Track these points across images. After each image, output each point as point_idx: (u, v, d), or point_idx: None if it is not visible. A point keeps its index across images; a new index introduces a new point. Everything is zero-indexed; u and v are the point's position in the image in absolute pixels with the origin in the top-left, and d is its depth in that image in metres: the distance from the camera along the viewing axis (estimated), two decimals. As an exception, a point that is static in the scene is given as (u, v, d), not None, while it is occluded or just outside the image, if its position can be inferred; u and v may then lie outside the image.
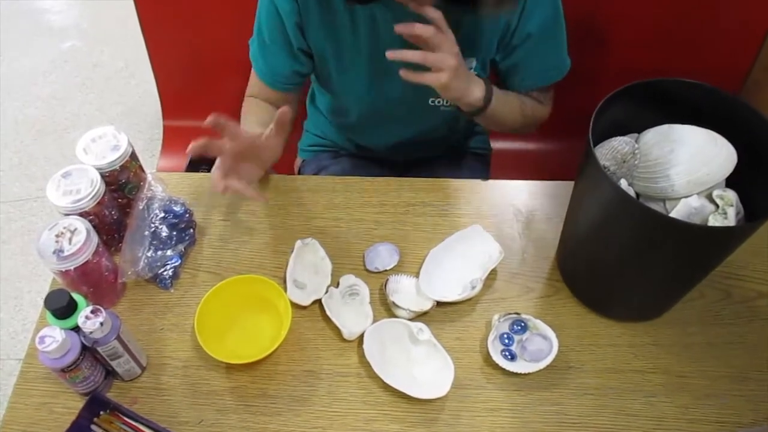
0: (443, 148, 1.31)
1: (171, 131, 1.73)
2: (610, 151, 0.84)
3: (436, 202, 1.08)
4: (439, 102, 1.12)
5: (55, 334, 0.76)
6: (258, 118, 1.12)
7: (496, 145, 1.47)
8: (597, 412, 0.85)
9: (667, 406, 0.86)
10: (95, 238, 0.87)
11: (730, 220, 0.79)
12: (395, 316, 0.93)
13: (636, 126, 0.87)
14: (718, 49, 1.43)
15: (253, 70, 1.14)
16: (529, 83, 1.12)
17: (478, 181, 1.11)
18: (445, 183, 1.11)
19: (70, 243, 0.84)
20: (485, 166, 1.39)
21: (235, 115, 1.64)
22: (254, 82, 1.16)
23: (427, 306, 0.93)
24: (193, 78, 1.63)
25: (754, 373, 0.89)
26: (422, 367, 0.89)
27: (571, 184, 0.92)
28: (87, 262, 0.86)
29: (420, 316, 0.93)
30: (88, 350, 0.81)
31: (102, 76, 2.51)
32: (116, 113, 2.38)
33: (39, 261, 0.85)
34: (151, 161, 2.05)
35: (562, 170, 1.09)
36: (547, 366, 0.87)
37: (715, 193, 0.80)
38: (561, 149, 1.62)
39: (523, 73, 1.11)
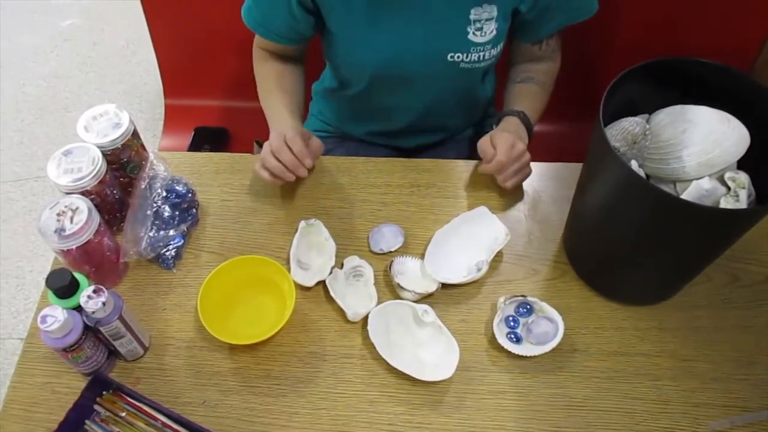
0: (452, 131, 1.28)
1: (173, 110, 1.71)
2: (621, 132, 0.82)
3: (441, 183, 1.07)
4: (458, 57, 1.05)
5: (56, 314, 0.75)
6: (277, 87, 1.12)
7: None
8: (602, 396, 0.85)
9: (673, 389, 0.86)
10: (97, 218, 0.86)
11: (742, 203, 0.77)
12: (400, 298, 0.93)
13: (647, 107, 0.86)
14: (728, 29, 1.41)
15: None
16: (554, 26, 1.10)
17: (484, 162, 1.09)
18: (450, 164, 1.10)
19: (71, 222, 0.83)
20: None
21: (236, 92, 1.64)
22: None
23: (432, 288, 0.92)
24: (194, 56, 1.61)
25: (761, 358, 0.88)
26: (427, 350, 0.88)
27: (578, 166, 0.90)
28: (89, 241, 0.85)
29: (425, 298, 0.93)
30: (91, 330, 0.80)
31: (103, 54, 2.48)
32: (117, 92, 2.35)
33: (41, 240, 0.84)
34: (153, 141, 2.03)
35: (568, 152, 1.07)
36: (553, 349, 0.87)
37: (727, 175, 0.79)
38: (567, 132, 1.60)
39: (550, 19, 1.07)
